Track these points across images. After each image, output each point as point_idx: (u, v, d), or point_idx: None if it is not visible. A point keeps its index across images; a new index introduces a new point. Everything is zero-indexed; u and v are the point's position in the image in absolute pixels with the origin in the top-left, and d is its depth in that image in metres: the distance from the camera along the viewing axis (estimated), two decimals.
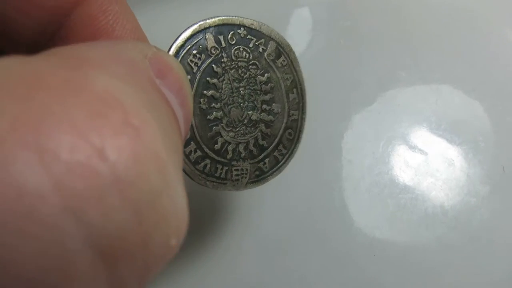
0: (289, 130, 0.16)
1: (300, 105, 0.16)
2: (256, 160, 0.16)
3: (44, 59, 0.08)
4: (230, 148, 0.15)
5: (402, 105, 0.24)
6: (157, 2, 0.27)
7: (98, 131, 0.07)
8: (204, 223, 0.22)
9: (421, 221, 0.22)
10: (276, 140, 0.16)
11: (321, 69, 0.25)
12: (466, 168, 0.23)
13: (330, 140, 0.23)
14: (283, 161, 0.16)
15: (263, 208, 0.22)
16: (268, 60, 0.16)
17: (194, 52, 0.15)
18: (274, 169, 0.16)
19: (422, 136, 0.24)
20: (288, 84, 0.16)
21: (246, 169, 0.15)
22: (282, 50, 0.17)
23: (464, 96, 0.25)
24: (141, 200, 0.07)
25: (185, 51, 0.15)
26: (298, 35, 0.27)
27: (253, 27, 0.16)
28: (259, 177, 0.16)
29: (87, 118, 0.07)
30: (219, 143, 0.15)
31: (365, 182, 0.22)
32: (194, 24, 0.15)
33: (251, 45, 0.16)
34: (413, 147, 0.23)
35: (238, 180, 0.15)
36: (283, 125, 0.16)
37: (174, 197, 0.08)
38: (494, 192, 0.22)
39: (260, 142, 0.16)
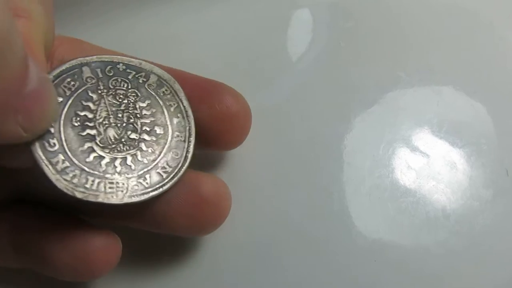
0: (174, 150, 0.17)
1: (186, 129, 0.17)
2: (134, 175, 0.16)
3: None
4: (103, 162, 0.16)
5: (403, 107, 0.24)
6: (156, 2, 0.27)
7: None
8: None
9: (422, 225, 0.21)
10: (159, 158, 0.17)
11: (321, 70, 0.25)
12: (468, 171, 0.23)
13: (329, 142, 0.23)
14: (168, 179, 0.16)
15: (261, 212, 0.22)
16: (149, 89, 0.17)
17: (68, 79, 0.16)
18: (158, 186, 0.16)
19: (423, 139, 0.23)
20: (172, 110, 0.17)
21: (123, 183, 0.16)
22: (165, 82, 0.18)
23: (466, 98, 0.24)
24: None
25: (59, 79, 0.16)
26: (298, 37, 0.27)
27: (132, 64, 0.18)
28: (138, 192, 0.16)
29: None
30: (91, 157, 0.16)
31: (365, 185, 0.22)
32: (72, 59, 0.17)
33: (130, 77, 0.17)
34: (414, 150, 0.23)
35: (112, 193, 0.15)
36: (167, 145, 0.17)
37: None
38: (498, 196, 0.22)
39: (140, 158, 0.16)
